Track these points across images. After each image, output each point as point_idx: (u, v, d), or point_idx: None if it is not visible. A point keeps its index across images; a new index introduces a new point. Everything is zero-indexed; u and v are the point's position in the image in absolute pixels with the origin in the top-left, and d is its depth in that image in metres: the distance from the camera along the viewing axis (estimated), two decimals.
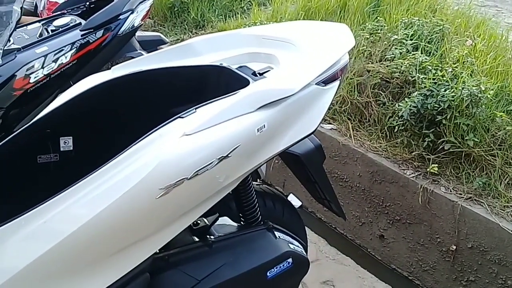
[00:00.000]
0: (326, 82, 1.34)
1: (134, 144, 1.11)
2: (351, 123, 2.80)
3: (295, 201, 1.77)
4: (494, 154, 2.31)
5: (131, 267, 1.15)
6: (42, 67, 1.91)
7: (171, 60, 1.47)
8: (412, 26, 2.90)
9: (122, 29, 2.29)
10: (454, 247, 2.26)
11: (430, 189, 2.33)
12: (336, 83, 1.37)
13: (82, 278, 1.11)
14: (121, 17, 2.28)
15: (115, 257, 1.12)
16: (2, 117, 1.92)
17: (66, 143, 1.40)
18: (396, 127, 2.54)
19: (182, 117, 1.15)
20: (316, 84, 1.31)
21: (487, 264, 2.16)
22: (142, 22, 2.40)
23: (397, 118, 2.56)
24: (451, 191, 2.30)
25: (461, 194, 2.27)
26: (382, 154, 2.59)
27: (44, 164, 1.39)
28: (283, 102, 1.24)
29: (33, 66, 1.88)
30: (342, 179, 2.74)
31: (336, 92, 1.40)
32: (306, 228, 2.54)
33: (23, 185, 1.35)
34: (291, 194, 1.77)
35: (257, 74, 1.36)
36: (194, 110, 1.17)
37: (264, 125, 1.20)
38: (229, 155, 1.15)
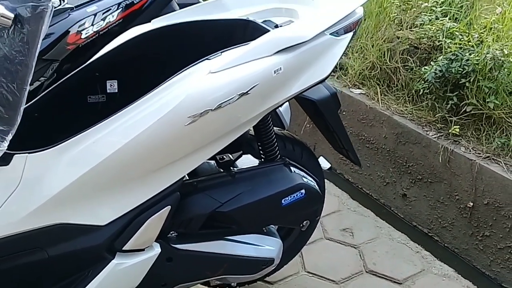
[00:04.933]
0: (340, 33, 1.49)
1: (167, 81, 1.30)
2: (380, 88, 2.92)
3: (325, 164, 1.87)
4: None
5: (164, 187, 1.36)
6: (92, 25, 2.12)
7: (204, 14, 1.65)
8: None
9: None
10: (471, 203, 2.37)
11: (450, 149, 2.44)
12: (350, 34, 1.52)
13: (123, 193, 1.33)
14: None
15: (151, 177, 1.33)
16: (56, 71, 2.15)
17: (112, 86, 1.61)
18: (422, 90, 2.65)
19: (209, 59, 1.34)
20: (330, 34, 1.46)
21: (501, 219, 2.27)
22: None
23: (422, 81, 2.67)
24: (470, 151, 2.40)
25: (479, 153, 2.38)
26: (407, 116, 2.70)
27: (93, 103, 1.61)
28: (298, 48, 1.40)
29: (84, 24, 2.10)
30: (369, 141, 2.87)
31: (349, 43, 1.54)
32: (332, 184, 2.71)
33: (75, 121, 1.58)
34: (321, 157, 1.90)
35: (279, 27, 1.52)
36: (220, 54, 1.36)
37: (280, 68, 1.37)
38: (248, 92, 1.33)
